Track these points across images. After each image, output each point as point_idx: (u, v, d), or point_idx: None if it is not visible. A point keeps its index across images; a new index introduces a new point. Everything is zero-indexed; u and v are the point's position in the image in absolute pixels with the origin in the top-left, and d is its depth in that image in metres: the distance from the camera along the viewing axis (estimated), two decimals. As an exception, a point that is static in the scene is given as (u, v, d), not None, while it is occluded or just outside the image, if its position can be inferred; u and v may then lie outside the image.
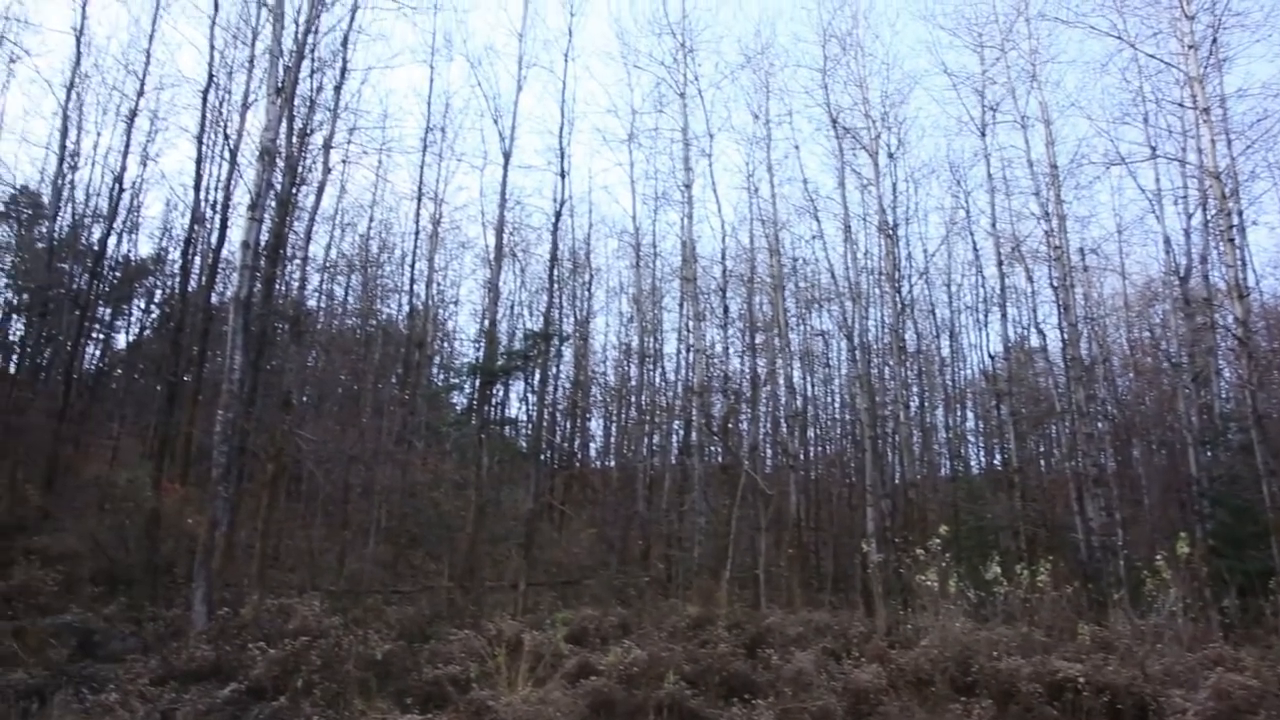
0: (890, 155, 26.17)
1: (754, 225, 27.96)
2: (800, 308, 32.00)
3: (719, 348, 29.11)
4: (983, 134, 24.42)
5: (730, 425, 26.89)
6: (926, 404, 33.18)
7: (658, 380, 32.18)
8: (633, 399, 34.20)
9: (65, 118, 27.12)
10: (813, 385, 33.62)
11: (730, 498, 21.77)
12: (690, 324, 26.05)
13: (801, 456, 27.47)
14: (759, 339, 29.42)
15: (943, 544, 14.30)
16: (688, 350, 27.14)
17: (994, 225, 25.18)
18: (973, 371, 37.63)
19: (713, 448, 26.71)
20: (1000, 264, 25.56)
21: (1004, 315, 26.26)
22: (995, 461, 33.41)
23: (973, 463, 36.01)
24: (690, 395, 24.85)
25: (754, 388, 27.48)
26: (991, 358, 31.19)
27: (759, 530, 20.74)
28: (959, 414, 37.75)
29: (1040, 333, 28.45)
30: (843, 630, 13.82)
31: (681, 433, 27.17)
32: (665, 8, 26.80)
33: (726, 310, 28.44)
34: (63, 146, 27.16)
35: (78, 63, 26.71)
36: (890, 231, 24.74)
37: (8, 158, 59.45)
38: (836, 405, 35.43)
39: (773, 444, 28.65)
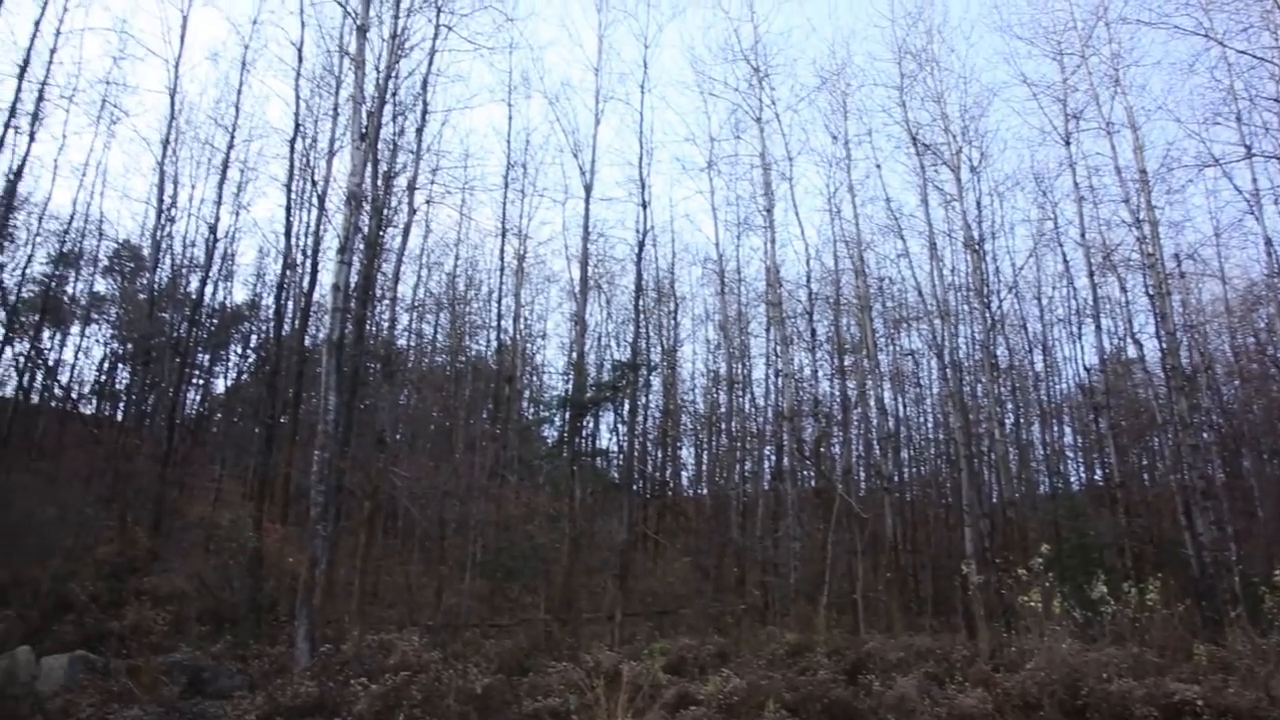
0: (972, 169, 25.82)
1: (838, 247, 27.82)
2: (888, 328, 31.69)
3: (808, 371, 28.94)
4: (1067, 143, 23.92)
5: (822, 449, 26.65)
6: (1022, 420, 32.51)
7: (747, 406, 32.09)
8: (723, 426, 34.13)
9: (162, 173, 28.17)
10: (904, 406, 33.25)
11: (825, 522, 21.54)
12: (778, 348, 25.94)
13: (895, 478, 27.09)
14: (848, 361, 29.18)
15: (1045, 563, 13.97)
16: (776, 375, 27.03)
17: (1083, 235, 24.61)
18: (1068, 385, 36.74)
19: (805, 472, 26.45)
20: (1092, 274, 24.92)
21: (1098, 327, 25.60)
22: (1096, 477, 32.48)
23: (1072, 479, 35.08)
24: (780, 420, 24.69)
25: (845, 410, 27.23)
26: (1087, 370, 30.41)
27: (855, 554, 20.45)
28: (1056, 429, 36.85)
29: (1137, 343, 27.59)
30: (945, 654, 13.54)
31: (773, 458, 27.01)
32: (738, 35, 26.82)
33: (814, 333, 28.29)
34: (160, 200, 28.18)
35: (172, 120, 27.80)
36: (976, 247, 24.35)
37: (111, 214, 61.83)
38: (929, 425, 34.91)
39: (866, 467, 28.38)
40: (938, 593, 24.30)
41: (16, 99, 23.08)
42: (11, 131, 23.60)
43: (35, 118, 25.07)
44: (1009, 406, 30.87)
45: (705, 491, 34.78)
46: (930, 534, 28.60)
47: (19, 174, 25.36)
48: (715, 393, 36.11)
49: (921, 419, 35.32)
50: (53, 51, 25.30)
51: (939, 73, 24.55)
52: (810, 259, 28.91)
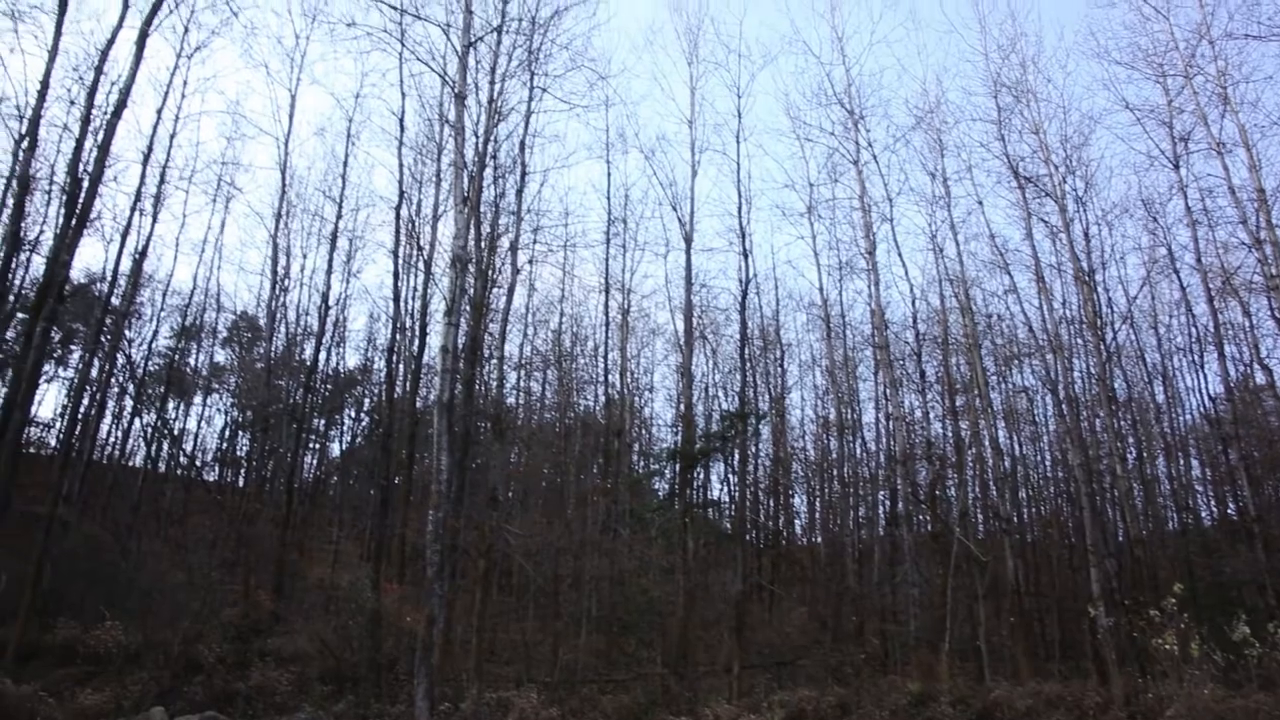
0: (1078, 199, 25.18)
1: (943, 286, 27.37)
2: (999, 365, 31.00)
3: (918, 413, 28.47)
4: (1176, 166, 23.27)
5: (937, 492, 26.06)
6: (1145, 455, 31.32)
7: (858, 451, 31.68)
8: (834, 472, 33.69)
9: (275, 246, 29.38)
10: (1020, 444, 32.38)
11: (943, 567, 21.05)
12: (887, 391, 25.59)
13: (1014, 519, 26.36)
14: (959, 401, 28.56)
15: (1179, 604, 13.38)
16: (886, 419, 26.68)
17: (1199, 260, 23.85)
18: (1193, 416, 35.27)
19: (921, 516, 25.91)
20: (1211, 300, 24.11)
21: (1221, 354, 24.69)
22: (1229, 511, 31.06)
23: (1203, 514, 33.60)
24: (893, 464, 24.32)
25: (958, 451, 26.60)
26: (1213, 400, 29.27)
27: (976, 599, 19.92)
28: (1182, 463, 35.39)
29: (1265, 369, 26.44)
30: (1076, 701, 13.11)
31: (887, 503, 26.58)
32: (830, 79, 26.88)
33: (923, 374, 27.81)
34: (274, 272, 29.33)
35: (283, 195, 29.06)
36: (1087, 278, 23.72)
37: (228, 287, 64.44)
38: (1047, 463, 33.91)
39: (983, 508, 27.67)
40: (1065, 637, 23.49)
41: (141, 184, 24.39)
42: (137, 214, 24.90)
43: (158, 200, 26.49)
44: (1130, 441, 29.81)
45: (819, 539, 34.33)
46: (1054, 576, 27.70)
47: (144, 254, 26.78)
48: (825, 439, 35.77)
49: (1038, 457, 34.36)
50: (172, 137, 26.80)
51: (1036, 104, 24.18)
52: (915, 299, 28.56)
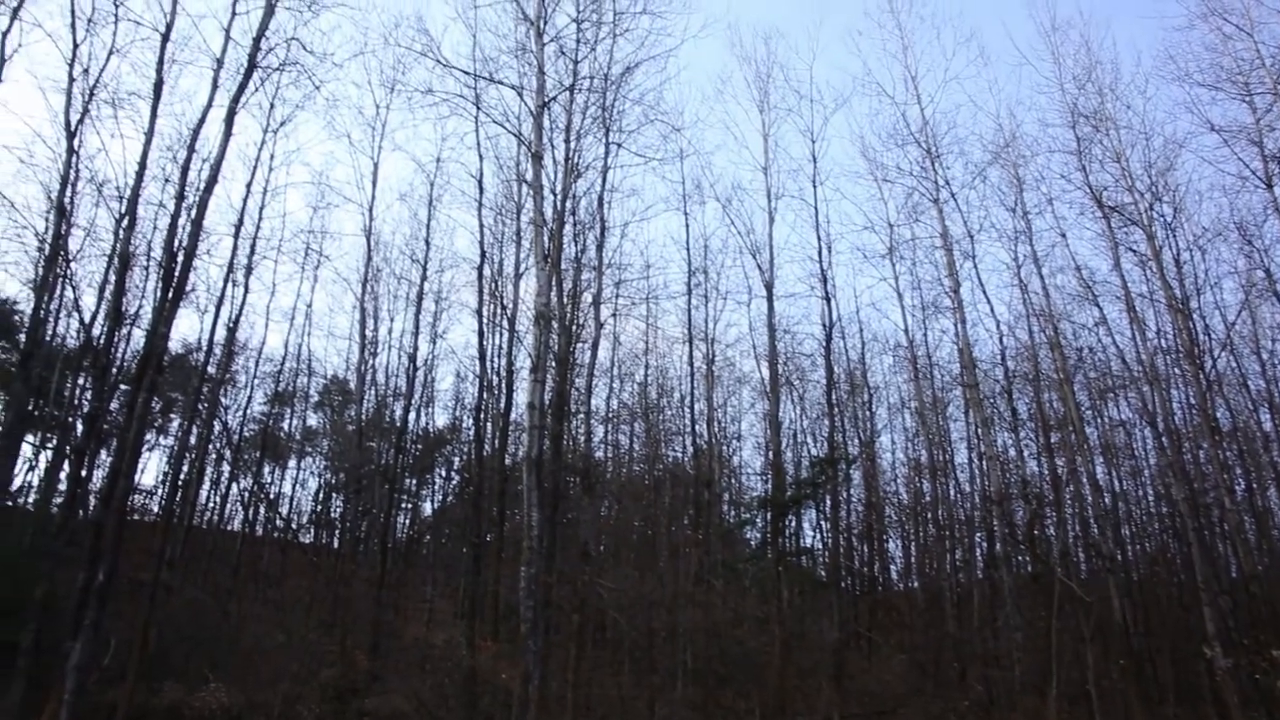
0: (1166, 226, 24.60)
1: (1030, 321, 26.92)
2: (1094, 399, 30.17)
3: (1012, 452, 27.91)
4: (1269, 186, 22.60)
5: (1036, 532, 25.39)
6: (1255, 486, 30.14)
7: (952, 493, 31.11)
8: (929, 515, 33.13)
9: (363, 310, 30.19)
10: (1120, 480, 31.39)
11: (1046, 609, 20.45)
12: (978, 431, 25.19)
13: (1118, 557, 25.53)
14: (1054, 438, 27.90)
15: (1302, 642, 12.82)
16: (979, 458, 26.20)
17: (1301, 279, 23.08)
18: (1305, 444, 33.88)
19: (1020, 557, 25.30)
20: (1317, 321, 23.28)
21: (1331, 376, 23.78)
22: (1355, 543, 29.66)
23: (1326, 546, 32.09)
24: (989, 504, 23.84)
25: (1056, 489, 25.96)
26: (1327, 426, 28.11)
27: (1083, 641, 19.30)
28: (1296, 493, 33.92)
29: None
30: (1194, 745, 12.60)
31: (984, 545, 26.01)
32: (905, 118, 26.73)
33: (1014, 412, 27.31)
34: (363, 335, 30.09)
35: (369, 260, 29.89)
36: (1181, 306, 23.11)
37: (319, 352, 66.14)
38: (1150, 499, 32.79)
39: (1084, 547, 26.86)
40: (1179, 679, 22.56)
41: (233, 255, 25.31)
42: (230, 285, 25.82)
43: (249, 270, 27.50)
44: (1238, 472, 28.74)
45: (916, 584, 33.64)
46: (1164, 615, 26.68)
47: (237, 323, 27.73)
48: (918, 481, 35.20)
49: (1140, 492, 33.25)
50: (261, 209, 27.91)
51: (1117, 132, 23.80)
52: (1003, 336, 28.04)
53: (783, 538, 26.62)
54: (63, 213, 20.77)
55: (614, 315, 29.35)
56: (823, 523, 30.19)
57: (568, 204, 20.38)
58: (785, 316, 52.32)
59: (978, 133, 52.20)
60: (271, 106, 26.22)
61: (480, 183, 25.52)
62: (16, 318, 36.52)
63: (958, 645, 24.05)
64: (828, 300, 25.96)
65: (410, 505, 39.34)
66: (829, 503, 27.24)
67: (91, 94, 20.71)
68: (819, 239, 26.95)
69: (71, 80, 20.45)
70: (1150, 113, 61.92)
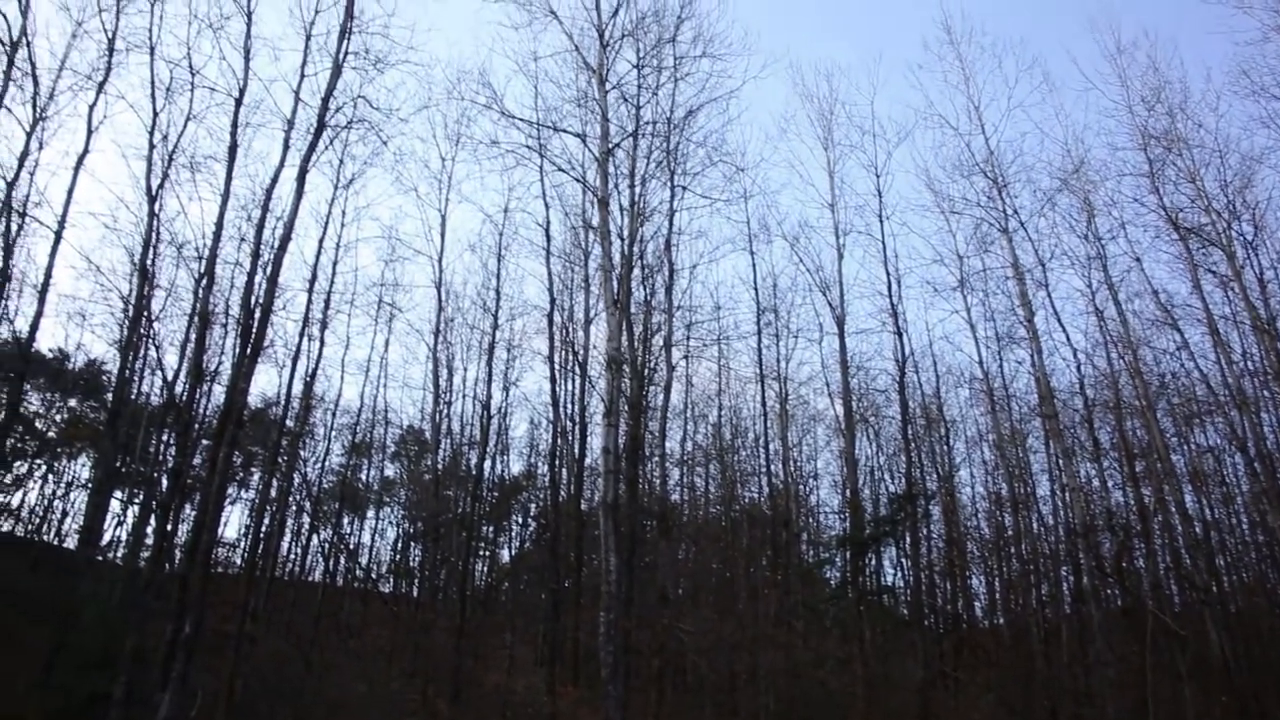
0: (1247, 245, 24.02)
1: (1108, 348, 26.37)
2: (1179, 426, 29.37)
3: (1095, 482, 27.21)
4: (1354, 198, 21.95)
5: (1124, 564, 24.72)
6: (1356, 510, 29.01)
7: (1035, 526, 30.38)
8: (1011, 549, 32.37)
9: (436, 360, 30.66)
10: (1211, 508, 30.41)
11: (1139, 644, 19.85)
12: (1059, 462, 24.64)
13: (1214, 589, 24.70)
14: (1139, 467, 27.19)
15: None
16: (1062, 490, 25.58)
17: (1395, 292, 22.31)
18: None
19: (1109, 591, 24.63)
20: None
21: None
22: None
23: None
24: (1074, 537, 23.25)
25: (1143, 520, 25.25)
26: None
27: (1180, 678, 18.69)
28: (1405, 517, 32.54)
29: None
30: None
31: (1071, 579, 25.32)
32: (970, 149, 26.53)
33: (1096, 442, 26.67)
34: (436, 385, 30.52)
35: (440, 310, 30.41)
36: (1267, 327, 22.46)
37: (394, 403, 67.09)
38: (1244, 527, 31.72)
39: (1177, 579, 26.05)
40: (1290, 715, 21.67)
41: (308, 310, 25.91)
42: (306, 339, 26.39)
43: (324, 325, 28.08)
44: (1340, 496, 27.70)
45: (1001, 620, 32.84)
46: (1266, 648, 25.70)
47: (313, 377, 28.32)
48: (999, 515, 34.45)
49: (1234, 520, 32.16)
50: (334, 264, 28.57)
51: (1189, 152, 23.33)
52: (1081, 364, 27.49)
53: (863, 576, 26.25)
54: (145, 275, 21.46)
55: (685, 357, 29.44)
56: (903, 560, 29.66)
57: (635, 248, 20.55)
58: (858, 353, 51.82)
59: (1045, 160, 51.73)
60: (340, 163, 26.97)
61: (547, 231, 25.90)
62: (104, 377, 37.77)
63: (1047, 683, 23.42)
64: (900, 335, 25.78)
65: (488, 553, 39.63)
66: (909, 540, 26.81)
67: (171, 159, 21.50)
68: (888, 274, 26.82)
69: (152, 147, 21.24)
70: (1224, 130, 60.52)
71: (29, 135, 21.77)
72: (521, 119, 20.77)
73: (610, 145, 19.51)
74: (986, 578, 36.06)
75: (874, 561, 29.75)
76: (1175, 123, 23.77)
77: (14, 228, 21.73)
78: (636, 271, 21.42)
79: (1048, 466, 29.13)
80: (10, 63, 21.29)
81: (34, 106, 22.00)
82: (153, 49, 21.41)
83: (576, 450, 26.39)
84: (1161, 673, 19.18)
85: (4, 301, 22.71)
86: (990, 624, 34.20)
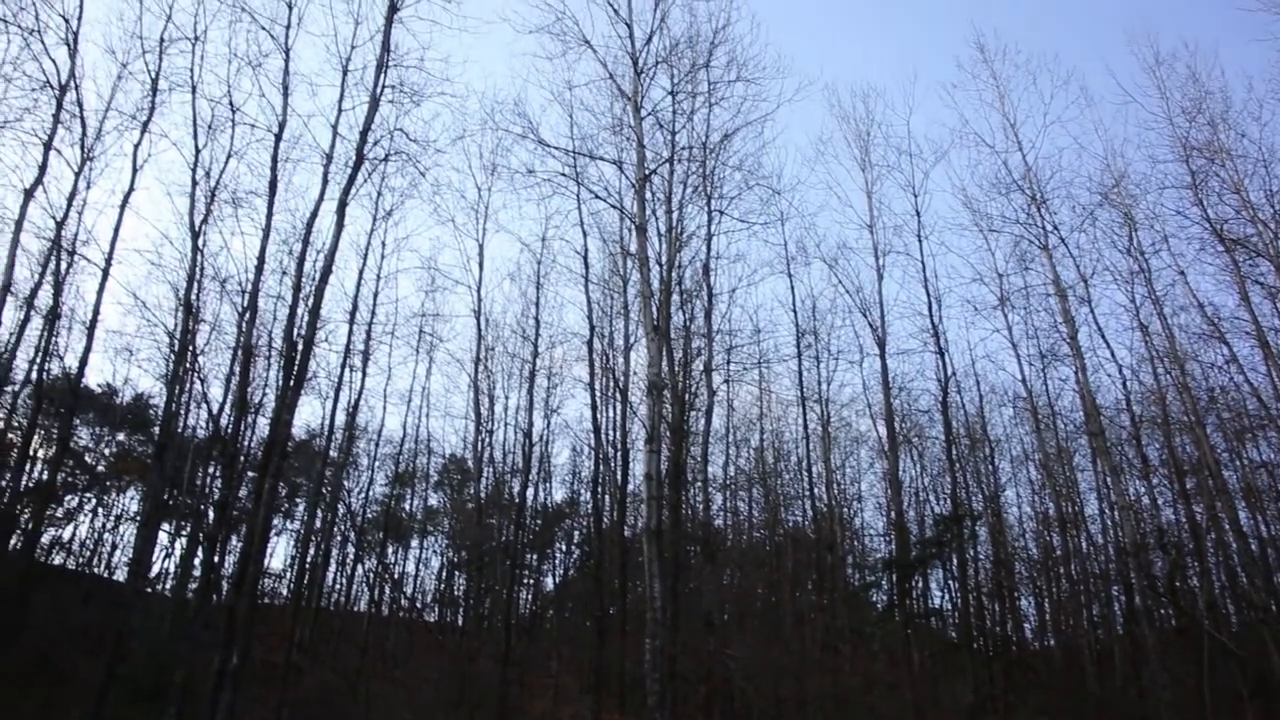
0: (1297, 254, 23.66)
1: (1154, 363, 25.99)
2: (1230, 441, 28.85)
3: (1145, 500, 26.76)
4: (1405, 199, 21.55)
5: (1177, 583, 24.28)
6: None
7: (1084, 545, 29.96)
8: (1061, 569, 31.93)
9: (476, 389, 30.78)
10: (1266, 525, 29.82)
11: (1196, 665, 19.47)
12: (1108, 480, 24.29)
13: (1273, 607, 24.19)
14: (1189, 483, 26.72)
15: None
16: (1111, 508, 25.23)
17: None
18: None
19: (1162, 611, 24.18)
20: None
21: None
22: None
23: None
24: (1124, 556, 22.86)
25: (1196, 538, 24.80)
26: None
27: (1242, 699, 18.29)
28: None
29: None
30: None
31: (1123, 599, 24.90)
32: (1007, 166, 26.33)
33: (1145, 459, 26.25)
34: (477, 414, 30.62)
35: (480, 339, 30.51)
36: (1319, 339, 22.07)
37: (436, 432, 67.51)
38: (1302, 541, 31.03)
39: (1233, 598, 25.53)
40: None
41: (349, 342, 26.16)
42: (348, 371, 26.62)
43: (366, 356, 28.34)
44: (1402, 509, 27.06)
45: (1052, 642, 32.36)
46: (1330, 667, 25.09)
47: (356, 407, 28.57)
48: (1047, 535, 34.01)
49: (1291, 535, 31.55)
50: (375, 295, 28.88)
51: (1233, 162, 22.97)
52: (1126, 380, 27.12)
53: (910, 599, 25.97)
54: (190, 309, 21.75)
55: (726, 382, 29.35)
56: (950, 582, 29.35)
57: (673, 273, 20.56)
58: (899, 373, 51.58)
59: (1084, 174, 51.19)
60: (379, 195, 27.31)
61: (585, 258, 26.02)
62: (151, 411, 38.31)
63: (1101, 705, 23.03)
64: (941, 355, 25.59)
65: (532, 581, 39.66)
66: (956, 561, 26.50)
67: (213, 195, 21.83)
68: (928, 293, 26.66)
69: (194, 184, 21.56)
70: (1268, 139, 59.72)
71: (77, 175, 22.24)
72: (558, 147, 20.87)
73: (647, 171, 19.54)
74: (1036, 598, 35.59)
75: (921, 584, 29.47)
76: (1217, 133, 23.47)
77: (64, 266, 22.17)
78: (675, 297, 21.47)
79: (1095, 485, 28.78)
80: (59, 106, 21.78)
81: (82, 147, 22.49)
82: (194, 88, 21.85)
83: (619, 476, 26.39)
84: (1220, 694, 18.77)
85: (54, 338, 23.15)
86: (1041, 646, 33.70)
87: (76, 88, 22.15)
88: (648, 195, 19.78)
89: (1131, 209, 25.35)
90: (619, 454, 26.30)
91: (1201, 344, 26.00)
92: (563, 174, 21.18)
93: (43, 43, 21.80)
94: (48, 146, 21.36)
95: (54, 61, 21.91)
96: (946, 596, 30.97)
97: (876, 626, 27.76)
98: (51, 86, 21.79)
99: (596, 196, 22.29)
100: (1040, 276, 26.04)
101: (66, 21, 22.07)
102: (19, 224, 20.58)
